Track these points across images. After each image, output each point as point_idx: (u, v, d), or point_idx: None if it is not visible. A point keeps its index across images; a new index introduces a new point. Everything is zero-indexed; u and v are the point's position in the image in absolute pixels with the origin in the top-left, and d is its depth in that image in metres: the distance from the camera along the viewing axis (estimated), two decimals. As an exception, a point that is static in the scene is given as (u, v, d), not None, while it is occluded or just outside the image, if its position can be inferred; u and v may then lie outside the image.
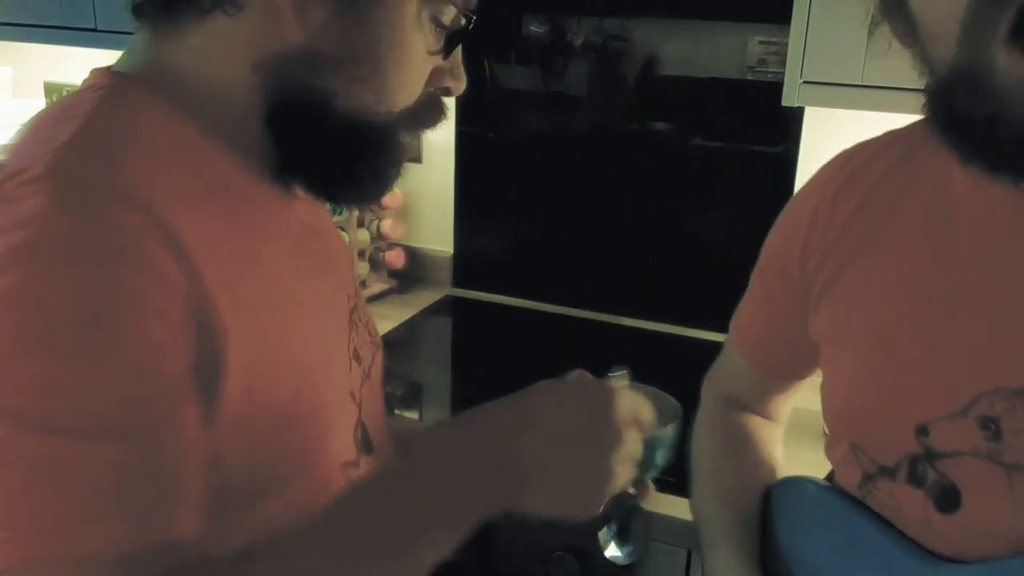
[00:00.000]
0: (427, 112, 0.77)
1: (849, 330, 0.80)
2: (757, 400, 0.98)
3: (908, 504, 0.73)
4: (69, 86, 2.15)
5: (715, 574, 0.87)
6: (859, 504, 0.78)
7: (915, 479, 0.72)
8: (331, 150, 0.72)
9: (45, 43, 1.77)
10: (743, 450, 0.94)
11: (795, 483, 0.86)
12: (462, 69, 0.77)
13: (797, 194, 0.90)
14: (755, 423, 0.97)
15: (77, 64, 2.15)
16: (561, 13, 1.64)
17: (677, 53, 1.65)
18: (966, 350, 0.70)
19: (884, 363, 0.76)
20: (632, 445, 0.63)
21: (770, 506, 0.88)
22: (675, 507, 1.18)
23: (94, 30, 1.67)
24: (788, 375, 0.96)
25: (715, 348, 1.70)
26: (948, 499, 0.70)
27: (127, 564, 0.54)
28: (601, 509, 0.65)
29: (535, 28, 1.66)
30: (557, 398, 0.64)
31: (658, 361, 1.69)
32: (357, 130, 0.71)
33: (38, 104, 2.12)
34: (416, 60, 0.72)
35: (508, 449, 0.61)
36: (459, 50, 0.76)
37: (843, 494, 0.80)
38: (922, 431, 0.71)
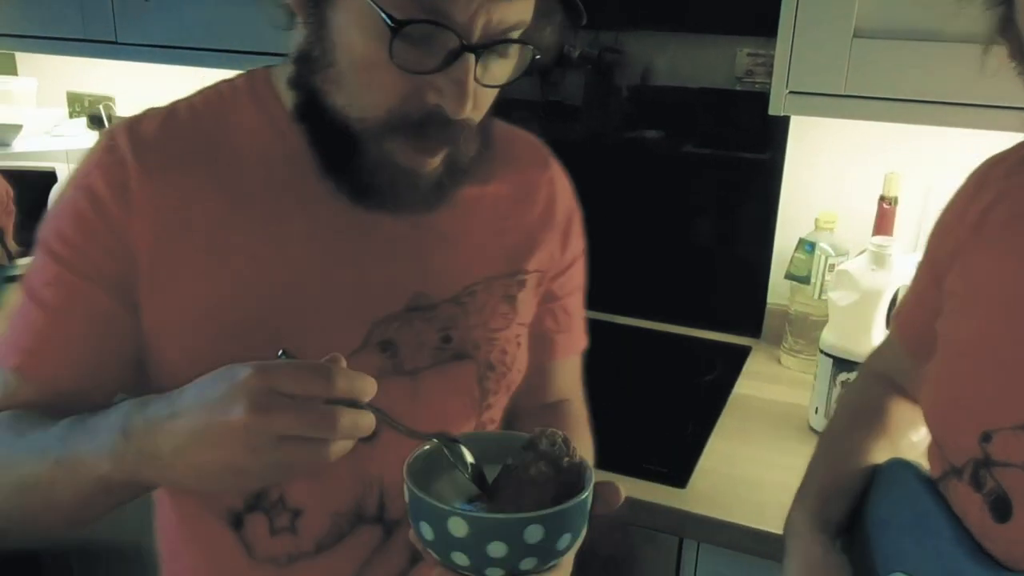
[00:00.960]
0: (425, 128, 0.71)
1: (949, 329, 0.80)
2: (908, 382, 0.94)
3: (970, 507, 0.73)
4: (91, 95, 2.15)
5: (788, 525, 0.87)
6: (940, 498, 0.77)
7: (976, 483, 0.72)
8: (326, 148, 0.76)
9: (68, 55, 1.77)
10: (870, 424, 0.92)
11: (903, 466, 0.84)
12: (458, 89, 0.69)
13: (953, 194, 0.87)
14: (897, 405, 0.94)
15: (98, 75, 2.16)
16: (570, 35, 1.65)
17: (669, 64, 1.65)
18: None
19: (964, 367, 0.76)
20: (259, 434, 0.58)
21: (872, 480, 0.87)
22: (667, 496, 1.18)
23: (114, 43, 1.67)
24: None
25: (706, 345, 1.72)
26: (1001, 508, 0.69)
27: (2, 378, 0.76)
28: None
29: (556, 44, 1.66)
30: (200, 391, 0.62)
31: (651, 358, 1.70)
32: (337, 131, 0.74)
33: (61, 113, 2.12)
34: (373, 68, 0.70)
35: (148, 433, 0.63)
36: (462, 69, 0.68)
37: (932, 486, 0.79)
38: (985, 438, 0.71)
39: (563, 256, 0.94)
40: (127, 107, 2.08)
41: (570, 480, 0.67)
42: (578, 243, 0.97)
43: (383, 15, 0.66)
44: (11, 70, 2.23)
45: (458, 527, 0.61)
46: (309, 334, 0.76)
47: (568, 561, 0.70)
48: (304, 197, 0.79)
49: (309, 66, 0.74)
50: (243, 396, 0.58)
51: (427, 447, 0.69)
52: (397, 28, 0.66)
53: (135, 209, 0.74)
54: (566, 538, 0.64)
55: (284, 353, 0.64)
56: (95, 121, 1.93)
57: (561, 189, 0.95)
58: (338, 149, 0.75)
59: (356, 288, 0.80)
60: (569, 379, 1.00)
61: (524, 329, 0.90)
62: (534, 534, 0.61)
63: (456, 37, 0.67)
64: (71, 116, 2.14)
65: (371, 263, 0.80)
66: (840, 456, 0.90)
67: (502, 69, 0.74)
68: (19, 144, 1.89)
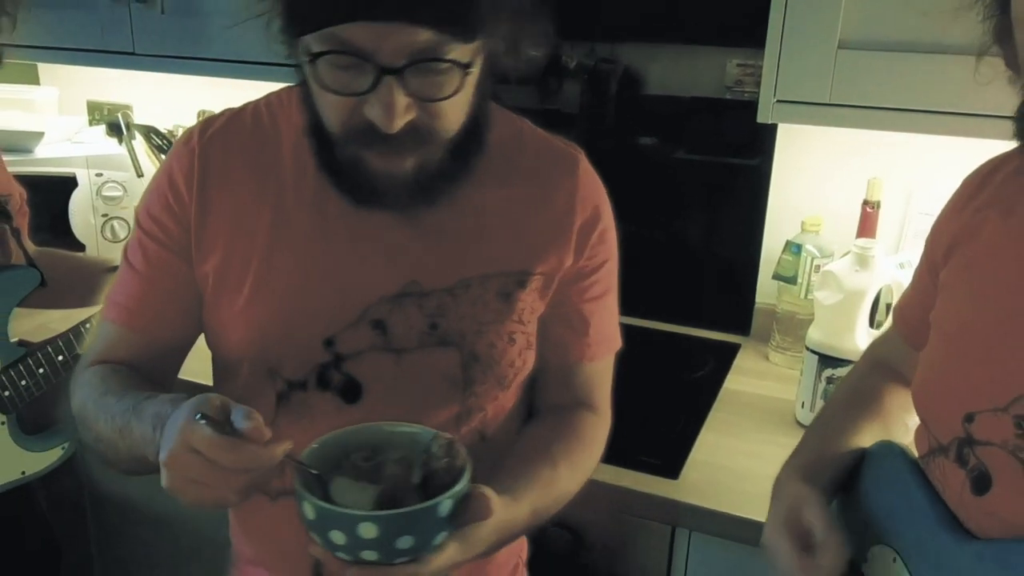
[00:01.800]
0: (371, 140, 0.76)
1: (940, 319, 0.81)
2: (906, 368, 0.94)
3: (952, 481, 0.74)
4: (109, 104, 2.14)
5: (775, 483, 0.87)
6: (923, 478, 0.78)
7: (961, 460, 0.73)
8: (321, 155, 0.82)
9: (88, 66, 1.77)
10: (866, 406, 0.92)
11: (889, 447, 0.85)
12: (385, 107, 0.73)
13: (951, 195, 0.87)
14: (893, 390, 0.94)
15: (117, 84, 2.16)
16: (556, 38, 1.64)
17: (661, 74, 1.64)
18: (1016, 356, 0.70)
19: (951, 354, 0.77)
20: (175, 475, 0.67)
21: (863, 460, 0.87)
22: (660, 487, 1.18)
23: (132, 54, 1.67)
24: None
25: (698, 343, 1.72)
26: (981, 482, 0.71)
27: (107, 329, 0.90)
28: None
29: (532, 51, 1.65)
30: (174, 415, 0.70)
31: (646, 354, 1.70)
32: (327, 141, 0.80)
33: (81, 121, 2.12)
34: (320, 92, 0.76)
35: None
36: (386, 90, 0.72)
37: (916, 466, 0.80)
38: (968, 418, 0.72)
39: (577, 263, 0.92)
40: (144, 115, 2.08)
41: (447, 485, 0.69)
42: (603, 251, 0.95)
43: (301, 49, 0.74)
44: (33, 80, 2.23)
45: (308, 511, 0.67)
46: (312, 308, 0.85)
47: (445, 558, 0.71)
48: (319, 194, 0.85)
49: (305, 90, 0.80)
50: (169, 442, 0.67)
51: (314, 446, 0.73)
52: (313, 59, 0.73)
53: (194, 189, 0.85)
54: (407, 539, 0.66)
55: (202, 416, 0.67)
56: (113, 128, 1.92)
57: (584, 199, 0.93)
58: (328, 155, 0.81)
59: (355, 272, 0.85)
60: (586, 384, 0.98)
61: (522, 328, 0.90)
62: (368, 531, 0.65)
63: (373, 66, 0.71)
64: (91, 124, 2.13)
65: (370, 251, 0.86)
66: (834, 432, 0.91)
67: (441, 83, 0.75)
68: (41, 150, 1.89)
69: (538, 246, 0.90)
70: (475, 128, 0.83)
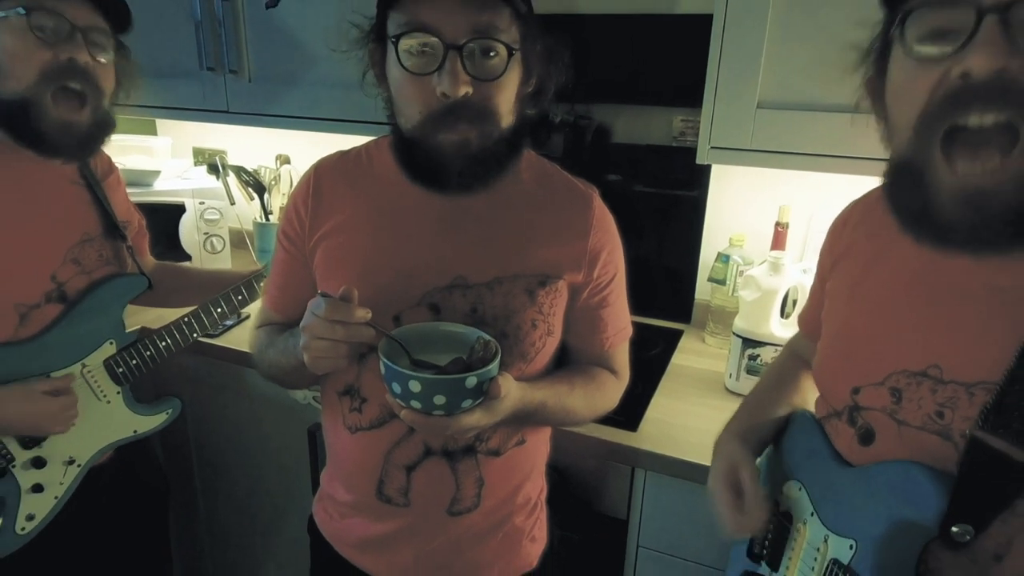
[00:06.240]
0: (443, 114, 0.77)
1: (828, 320, 0.82)
2: (811, 358, 0.94)
3: (844, 437, 0.75)
4: (210, 150, 2.15)
5: (715, 443, 0.88)
6: (823, 432, 0.80)
7: (851, 421, 0.74)
8: (402, 153, 0.86)
9: (193, 121, 1.77)
10: (784, 384, 0.94)
11: (803, 414, 0.86)
12: (451, 76, 0.74)
13: (831, 225, 0.87)
14: (805, 375, 0.95)
15: (216, 134, 2.17)
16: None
17: (624, 128, 1.65)
18: (887, 342, 0.71)
19: (839, 344, 0.78)
20: (306, 336, 0.77)
21: (788, 422, 0.88)
22: (623, 437, 1.19)
23: (227, 112, 1.68)
24: None
25: (651, 329, 1.72)
26: (867, 437, 0.72)
27: (264, 308, 1.00)
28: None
29: (528, 111, 1.65)
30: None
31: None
32: (407, 142, 0.83)
33: (188, 162, 2.12)
34: (402, 86, 0.78)
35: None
36: (451, 63, 0.74)
37: (820, 425, 0.81)
38: (855, 391, 0.73)
39: (590, 278, 0.93)
40: (236, 158, 2.09)
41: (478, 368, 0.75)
42: (611, 268, 0.95)
43: (389, 36, 0.77)
44: (152, 131, 2.23)
45: (382, 367, 0.74)
46: (388, 290, 0.86)
47: (464, 424, 0.76)
48: (400, 196, 0.88)
49: (392, 110, 0.84)
50: (304, 317, 0.78)
51: (402, 329, 0.81)
52: (396, 39, 0.76)
53: (309, 207, 0.91)
54: (440, 398, 0.72)
55: (322, 294, 0.77)
56: (213, 168, 1.93)
57: (597, 228, 0.93)
58: (407, 151, 0.84)
59: (419, 266, 0.87)
60: (607, 362, 0.99)
61: (543, 317, 0.90)
62: (415, 386, 0.72)
63: (440, 43, 0.74)
64: (195, 165, 2.14)
65: (429, 252, 0.87)
66: (762, 404, 0.92)
67: (492, 66, 0.78)
68: (158, 184, 1.89)
69: (557, 259, 0.90)
70: (518, 132, 0.86)
